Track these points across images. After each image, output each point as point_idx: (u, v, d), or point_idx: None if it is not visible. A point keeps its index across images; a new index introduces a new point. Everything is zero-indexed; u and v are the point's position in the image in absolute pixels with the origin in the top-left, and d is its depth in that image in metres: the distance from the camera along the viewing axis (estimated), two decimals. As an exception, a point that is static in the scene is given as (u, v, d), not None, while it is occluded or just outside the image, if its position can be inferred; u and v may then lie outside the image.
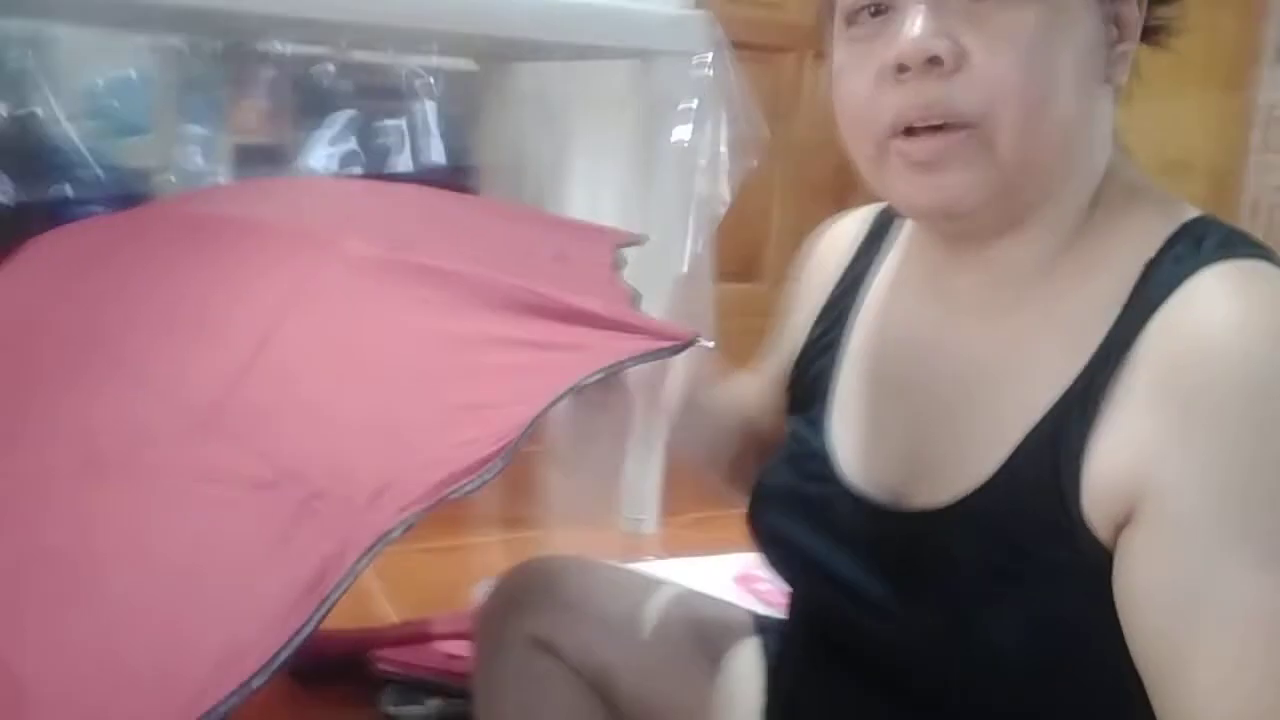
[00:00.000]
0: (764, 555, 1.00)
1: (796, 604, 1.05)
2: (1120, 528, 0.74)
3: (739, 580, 2.00)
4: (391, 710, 1.62)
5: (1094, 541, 0.75)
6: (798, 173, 4.38)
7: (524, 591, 1.15)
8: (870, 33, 0.81)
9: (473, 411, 0.79)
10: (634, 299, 0.93)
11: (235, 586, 0.73)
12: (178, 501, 0.77)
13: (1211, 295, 0.73)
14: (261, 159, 2.75)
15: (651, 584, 1.20)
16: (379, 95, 2.40)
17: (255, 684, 0.69)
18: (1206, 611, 0.69)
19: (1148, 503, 0.72)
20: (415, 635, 1.71)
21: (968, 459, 0.83)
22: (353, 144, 2.48)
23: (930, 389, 0.89)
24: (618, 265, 1.08)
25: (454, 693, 1.58)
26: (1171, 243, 0.78)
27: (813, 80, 4.46)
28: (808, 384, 1.02)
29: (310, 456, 0.78)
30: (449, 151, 2.47)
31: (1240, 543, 0.68)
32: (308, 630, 0.71)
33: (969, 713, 0.83)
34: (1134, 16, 0.82)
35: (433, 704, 1.61)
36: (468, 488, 0.75)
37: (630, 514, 2.36)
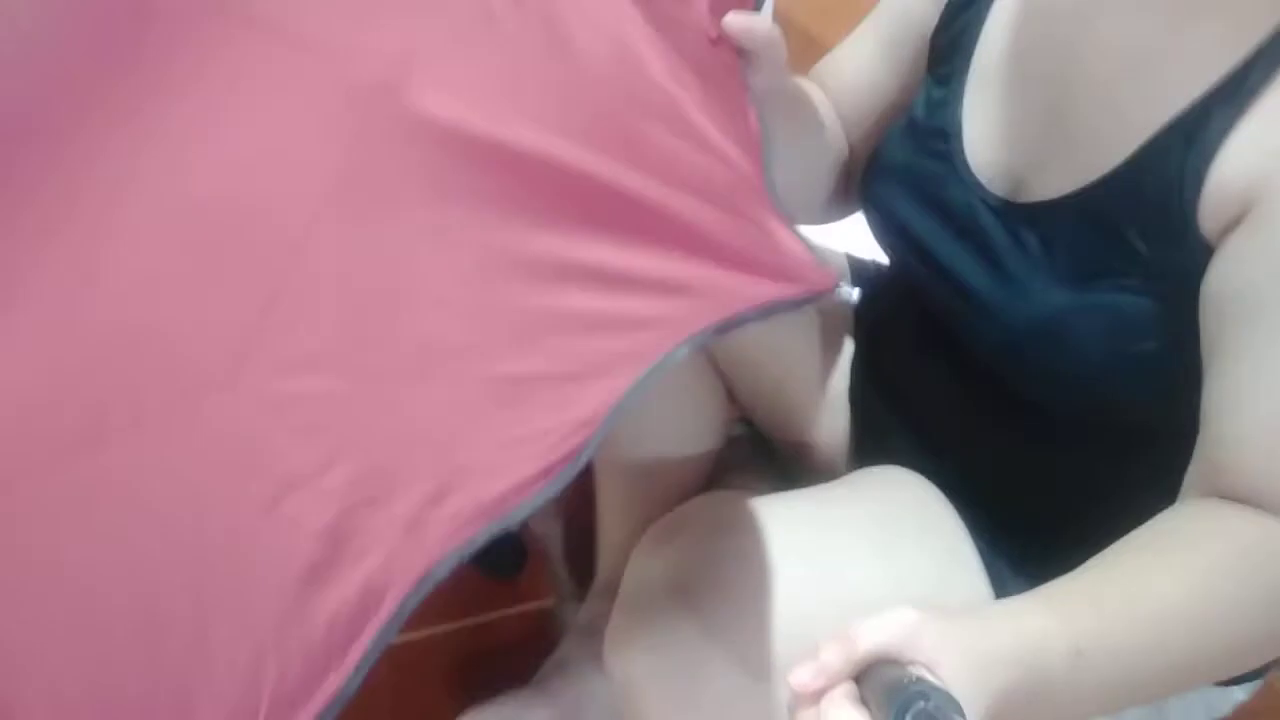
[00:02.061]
0: (871, 224, 0.98)
1: (895, 271, 1.02)
2: (1227, 232, 0.72)
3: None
4: None
5: (1203, 247, 0.73)
6: None
7: None
8: None
9: (539, 387, 0.61)
10: (765, 140, 0.68)
11: (264, 634, 0.60)
12: (193, 502, 0.63)
13: None
14: None
15: None
16: None
17: None
18: (1275, 318, 0.68)
19: (1264, 206, 0.69)
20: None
21: (1098, 147, 0.79)
22: None
23: (1074, 68, 0.83)
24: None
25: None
26: None
27: None
28: (947, 43, 0.94)
29: (349, 437, 0.62)
30: None
31: None
32: (348, 693, 0.59)
33: (1036, 415, 0.84)
34: None
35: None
36: (527, 508, 0.59)
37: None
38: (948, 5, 0.95)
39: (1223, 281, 0.71)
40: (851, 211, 1.06)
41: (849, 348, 1.08)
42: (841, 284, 0.61)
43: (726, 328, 0.59)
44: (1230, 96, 0.72)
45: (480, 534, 0.59)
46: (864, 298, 1.09)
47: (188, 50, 0.71)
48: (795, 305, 0.60)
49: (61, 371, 0.64)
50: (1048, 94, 0.85)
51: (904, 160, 0.94)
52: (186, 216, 0.67)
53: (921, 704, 0.53)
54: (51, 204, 0.66)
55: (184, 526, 0.62)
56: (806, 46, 0.97)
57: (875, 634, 0.58)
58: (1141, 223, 0.75)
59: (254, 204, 0.67)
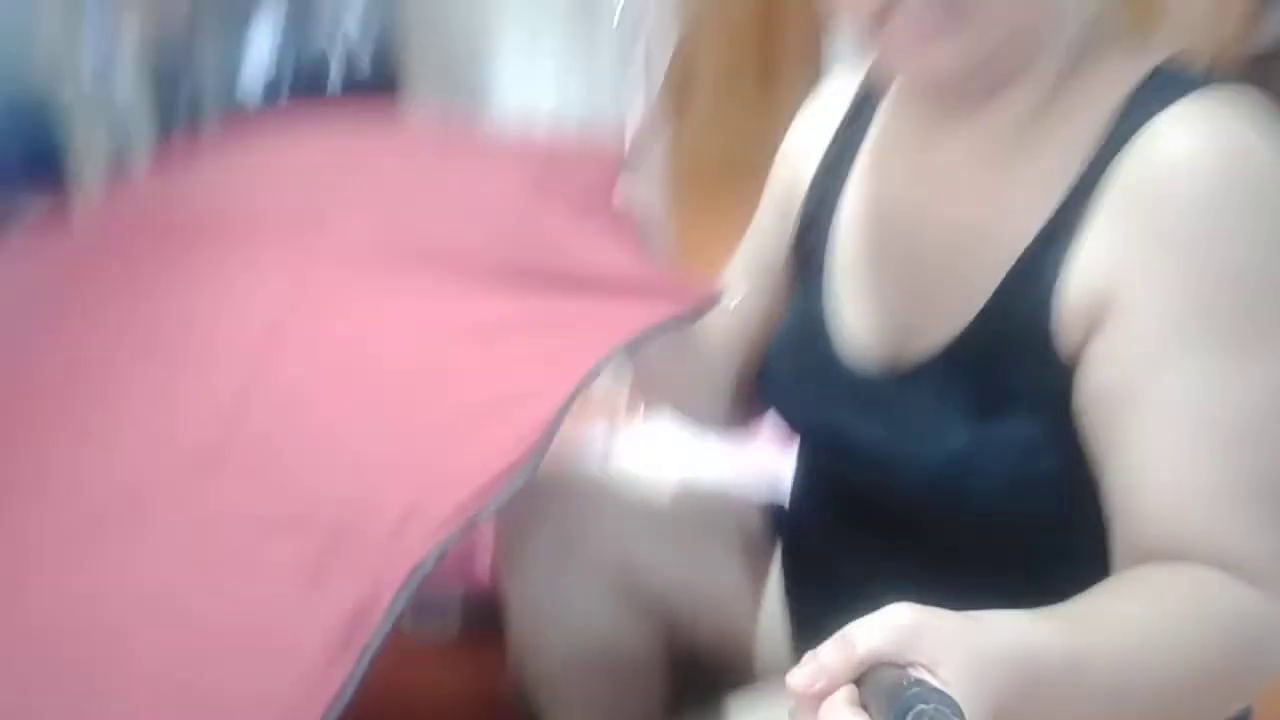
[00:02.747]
0: (775, 414, 1.05)
1: (804, 458, 1.09)
2: (1083, 345, 0.80)
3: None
4: (413, 623, 1.57)
5: (1066, 366, 0.81)
6: (721, 14, 4.37)
7: (542, 497, 1.11)
8: None
9: (492, 411, 0.73)
10: (643, 233, 0.86)
11: (265, 647, 0.68)
12: (190, 553, 0.71)
13: (1174, 125, 0.78)
14: (170, 63, 2.60)
15: (661, 476, 1.24)
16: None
17: None
18: (1151, 398, 0.76)
19: (1110, 311, 0.78)
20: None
21: (956, 306, 0.87)
22: (282, 42, 2.33)
23: (919, 248, 0.93)
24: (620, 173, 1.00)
25: (473, 601, 1.55)
26: (1143, 84, 0.82)
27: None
28: (805, 255, 1.05)
29: (326, 485, 0.72)
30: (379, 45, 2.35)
31: (1188, 341, 0.76)
32: (350, 689, 0.66)
33: (960, 552, 0.86)
34: None
35: (453, 612, 1.57)
36: (496, 501, 0.69)
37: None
38: (800, 220, 1.05)
39: (1092, 385, 0.79)
40: (756, 418, 1.15)
41: (776, 555, 1.13)
42: (723, 296, 0.77)
43: (637, 342, 0.74)
44: (1055, 234, 0.82)
45: (458, 529, 0.68)
46: (784, 507, 1.14)
47: (166, 245, 0.88)
48: (690, 319, 0.75)
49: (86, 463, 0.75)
50: (904, 270, 0.93)
51: (790, 358, 1.02)
52: (169, 345, 0.81)
53: (921, 707, 0.53)
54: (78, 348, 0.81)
55: (187, 576, 0.70)
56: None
57: (873, 634, 0.58)
58: (1011, 357, 0.83)
59: (218, 330, 0.81)
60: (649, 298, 0.77)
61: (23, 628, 0.69)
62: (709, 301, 0.77)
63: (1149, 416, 0.77)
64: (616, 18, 2.03)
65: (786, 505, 1.16)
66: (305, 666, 0.66)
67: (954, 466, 0.85)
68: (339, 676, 0.66)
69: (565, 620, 1.11)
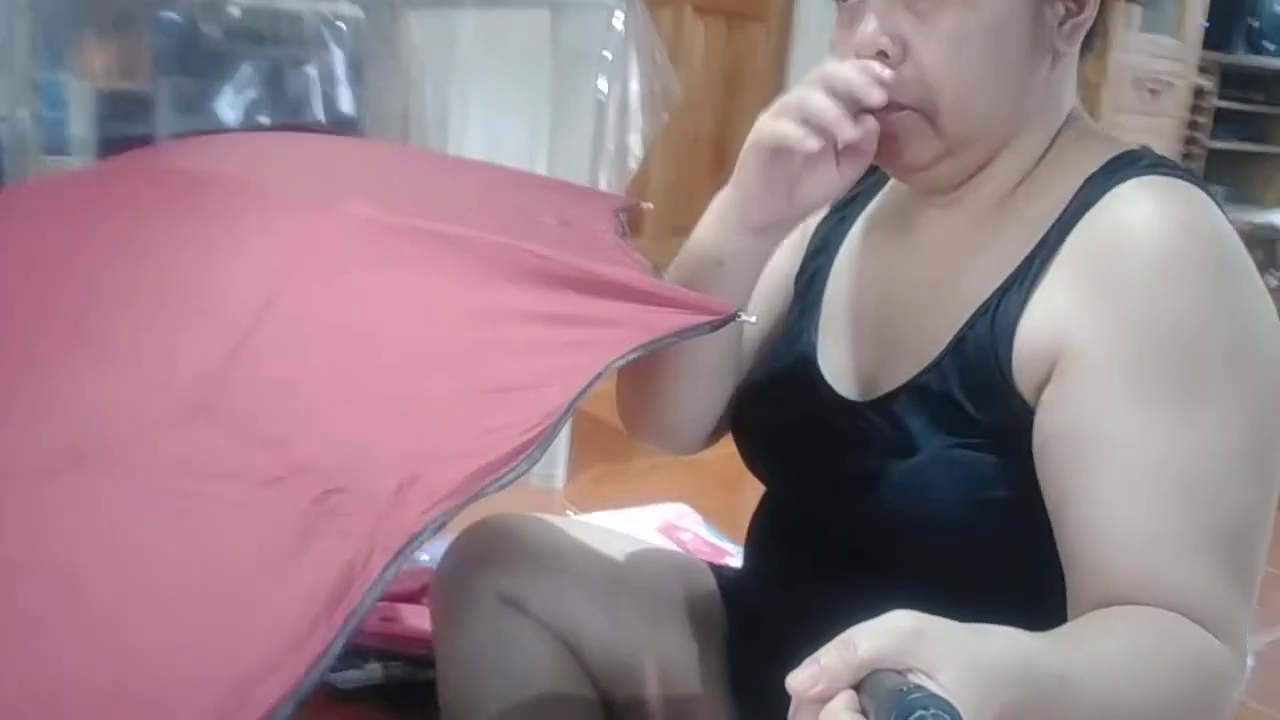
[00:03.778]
0: (744, 450, 1.09)
1: (767, 504, 1.12)
2: (1041, 388, 0.86)
3: (662, 530, 1.98)
4: (331, 676, 1.52)
5: (1024, 404, 0.86)
6: (677, 127, 4.43)
7: (487, 548, 1.13)
8: (847, 19, 0.94)
9: (502, 395, 0.72)
10: (654, 268, 0.87)
11: (247, 601, 0.65)
12: (173, 503, 0.68)
13: (1129, 197, 0.86)
14: (128, 107, 2.59)
15: (612, 537, 1.21)
16: (283, 43, 2.26)
17: (283, 714, 0.61)
18: (1102, 448, 0.81)
19: (1063, 361, 0.84)
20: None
21: (925, 346, 0.94)
22: (258, 93, 2.34)
23: (900, 295, 1.01)
24: (622, 231, 1.01)
25: (392, 656, 1.53)
26: (1106, 164, 0.90)
27: (691, 34, 4.48)
28: (804, 285, 1.12)
29: (322, 445, 0.70)
30: (358, 101, 2.37)
31: (1135, 392, 0.81)
32: (336, 648, 0.63)
33: (917, 582, 0.86)
34: None
35: (373, 667, 1.54)
36: (502, 481, 0.68)
37: (540, 470, 2.30)
38: (805, 257, 1.13)
39: (1048, 429, 0.84)
40: (714, 439, 1.16)
41: (722, 627, 1.14)
42: (741, 313, 0.79)
43: (654, 345, 0.74)
44: (1018, 282, 0.89)
45: (459, 505, 0.67)
46: (729, 586, 1.16)
47: (173, 199, 0.86)
48: (709, 328, 0.75)
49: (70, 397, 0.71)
50: (883, 317, 1.02)
51: (770, 385, 1.08)
52: (163, 291, 0.79)
53: (921, 712, 0.53)
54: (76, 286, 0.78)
55: (154, 526, 0.67)
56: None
57: (875, 638, 0.59)
58: (969, 391, 0.89)
59: (221, 281, 0.80)
60: (669, 306, 0.77)
61: None
62: (728, 316, 0.77)
63: (1099, 466, 0.81)
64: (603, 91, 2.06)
65: (738, 568, 1.17)
66: (286, 627, 0.63)
67: (908, 480, 0.90)
68: (323, 639, 0.63)
69: (503, 677, 1.09)
